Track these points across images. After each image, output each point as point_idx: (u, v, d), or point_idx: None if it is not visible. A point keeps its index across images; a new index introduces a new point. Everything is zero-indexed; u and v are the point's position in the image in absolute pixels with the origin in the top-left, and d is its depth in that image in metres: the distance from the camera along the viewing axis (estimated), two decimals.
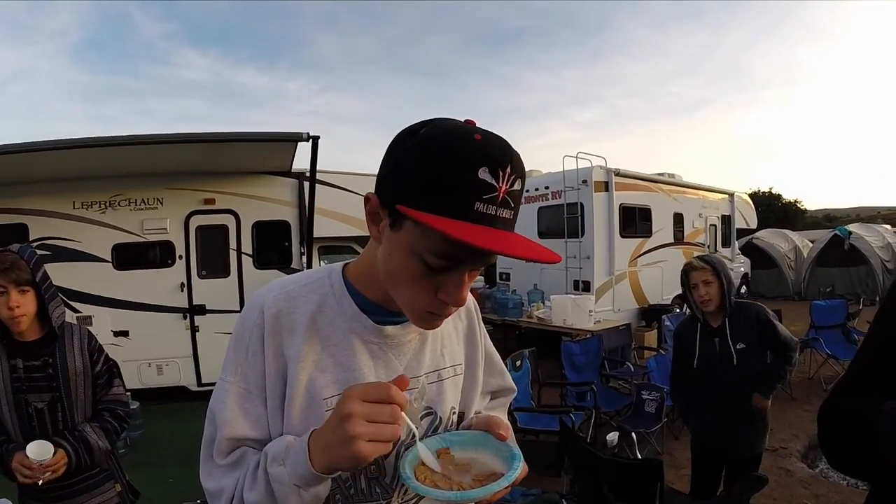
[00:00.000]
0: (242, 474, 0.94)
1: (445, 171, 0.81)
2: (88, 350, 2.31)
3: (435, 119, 0.89)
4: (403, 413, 0.85)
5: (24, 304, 2.12)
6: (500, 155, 0.82)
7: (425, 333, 1.10)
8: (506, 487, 0.90)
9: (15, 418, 2.16)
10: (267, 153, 6.78)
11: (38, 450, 2.05)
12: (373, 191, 0.94)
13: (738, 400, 3.15)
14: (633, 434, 4.64)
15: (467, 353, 1.22)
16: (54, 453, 2.07)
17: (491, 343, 1.33)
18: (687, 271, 3.25)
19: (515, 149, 0.86)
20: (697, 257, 3.27)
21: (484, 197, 0.81)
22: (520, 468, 0.93)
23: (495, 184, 0.81)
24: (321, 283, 1.06)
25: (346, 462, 0.82)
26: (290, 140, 6.20)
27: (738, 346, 3.14)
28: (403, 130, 0.90)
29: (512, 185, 0.83)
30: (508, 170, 0.82)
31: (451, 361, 1.16)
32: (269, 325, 0.99)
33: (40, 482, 2.05)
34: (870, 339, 1.26)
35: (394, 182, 0.88)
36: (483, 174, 0.80)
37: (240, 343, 1.01)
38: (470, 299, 1.26)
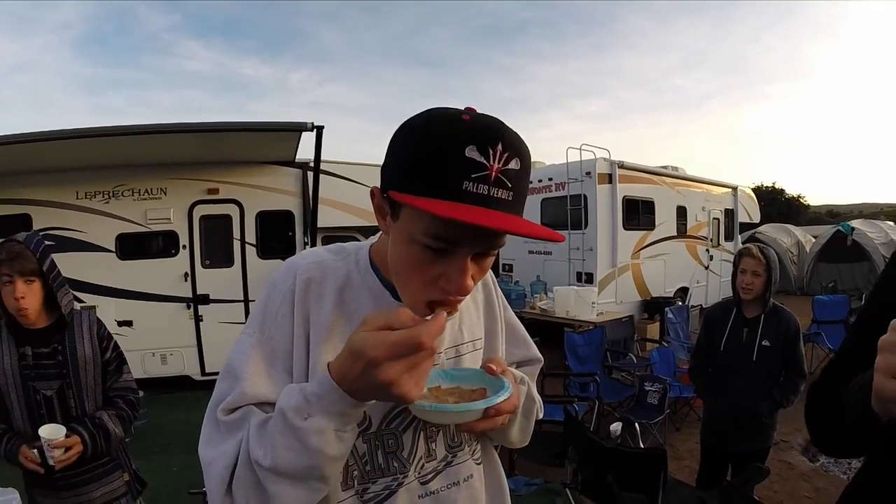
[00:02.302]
0: (244, 437, 0.89)
1: (432, 154, 0.81)
2: (98, 337, 2.32)
3: (430, 108, 0.88)
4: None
5: (29, 295, 2.12)
6: (489, 133, 0.81)
7: None
8: (492, 416, 0.94)
9: (23, 406, 2.16)
10: (271, 143, 6.78)
11: (51, 430, 2.07)
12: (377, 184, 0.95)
13: (750, 391, 3.19)
14: (636, 425, 4.65)
15: (487, 326, 1.21)
16: (67, 437, 2.09)
17: (512, 314, 1.32)
18: (742, 255, 3.28)
19: (513, 129, 0.84)
20: (758, 247, 3.29)
21: (473, 176, 0.79)
22: (504, 395, 0.93)
23: (485, 162, 0.79)
24: (348, 260, 1.07)
25: (390, 401, 0.85)
26: (295, 130, 6.19)
27: (762, 342, 3.18)
28: (402, 123, 0.89)
29: (506, 163, 0.81)
30: (500, 147, 0.80)
31: (471, 336, 1.16)
32: (300, 289, 1.00)
33: (52, 463, 2.06)
34: (857, 322, 1.28)
35: (388, 171, 0.89)
36: (471, 152, 0.79)
37: (270, 306, 1.01)
38: (487, 273, 1.26)
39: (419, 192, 0.81)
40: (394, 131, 0.90)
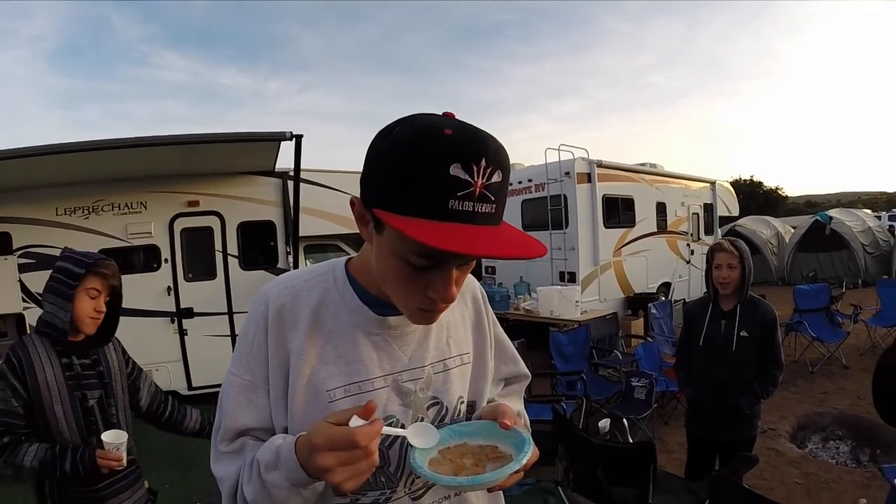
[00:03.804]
0: (243, 466, 0.98)
1: (416, 172, 0.80)
2: (122, 351, 2.47)
3: (409, 116, 0.87)
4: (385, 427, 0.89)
5: (103, 308, 2.26)
6: (473, 149, 0.81)
7: None
8: (516, 471, 0.91)
9: (70, 416, 2.18)
10: (250, 153, 6.74)
11: (114, 436, 2.14)
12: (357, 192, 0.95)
13: (732, 382, 3.23)
14: (625, 420, 4.68)
15: (476, 341, 1.22)
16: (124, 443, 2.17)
17: (501, 330, 1.33)
18: (714, 251, 3.32)
19: (495, 139, 0.85)
20: (729, 240, 3.32)
21: (458, 194, 0.79)
22: (529, 452, 0.94)
23: (469, 179, 0.80)
24: (325, 277, 1.08)
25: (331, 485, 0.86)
26: (274, 140, 6.15)
27: (741, 333, 3.22)
28: (380, 131, 0.89)
29: (489, 178, 0.82)
30: (483, 163, 0.80)
31: (458, 350, 1.16)
32: (273, 318, 1.02)
33: (125, 463, 2.17)
34: None
35: (370, 186, 0.88)
36: (455, 171, 0.79)
37: (246, 336, 1.04)
38: (477, 287, 1.27)
39: (404, 210, 0.81)
40: (373, 138, 0.89)
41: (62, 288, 2.15)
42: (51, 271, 2.22)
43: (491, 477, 0.90)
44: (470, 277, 1.16)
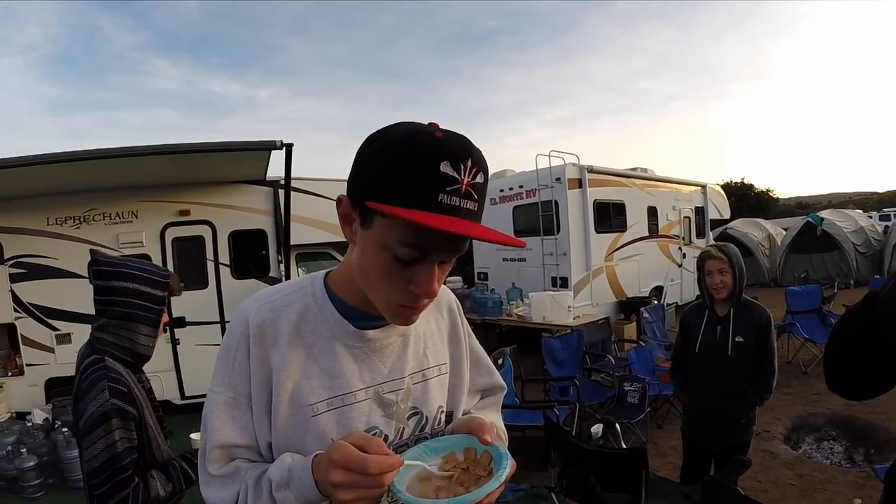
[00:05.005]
0: (242, 490, 0.98)
1: (410, 167, 0.85)
2: None
3: (398, 123, 0.93)
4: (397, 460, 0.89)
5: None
6: (461, 150, 0.87)
7: (407, 335, 1.13)
8: (497, 487, 0.92)
9: (158, 429, 2.19)
10: (241, 162, 6.72)
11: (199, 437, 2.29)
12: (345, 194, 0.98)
13: (727, 389, 3.25)
14: (618, 425, 4.69)
15: (452, 353, 1.25)
16: None
17: (477, 342, 1.36)
18: (704, 258, 3.32)
19: (476, 146, 0.91)
20: (715, 246, 3.33)
21: (447, 189, 0.85)
22: (508, 467, 0.95)
23: (457, 176, 0.86)
24: (304, 292, 1.09)
25: None
26: (264, 149, 6.14)
27: (736, 339, 3.23)
28: (370, 135, 0.94)
29: (474, 177, 0.88)
30: (469, 163, 0.87)
31: (436, 361, 1.19)
32: (254, 335, 1.03)
33: None
34: None
35: (362, 181, 0.92)
36: (445, 168, 0.85)
37: (227, 353, 1.05)
38: (452, 298, 1.30)
39: (397, 202, 0.86)
40: (363, 141, 0.94)
41: (150, 315, 2.11)
42: (121, 295, 2.10)
43: (474, 496, 0.91)
44: (445, 289, 1.22)
